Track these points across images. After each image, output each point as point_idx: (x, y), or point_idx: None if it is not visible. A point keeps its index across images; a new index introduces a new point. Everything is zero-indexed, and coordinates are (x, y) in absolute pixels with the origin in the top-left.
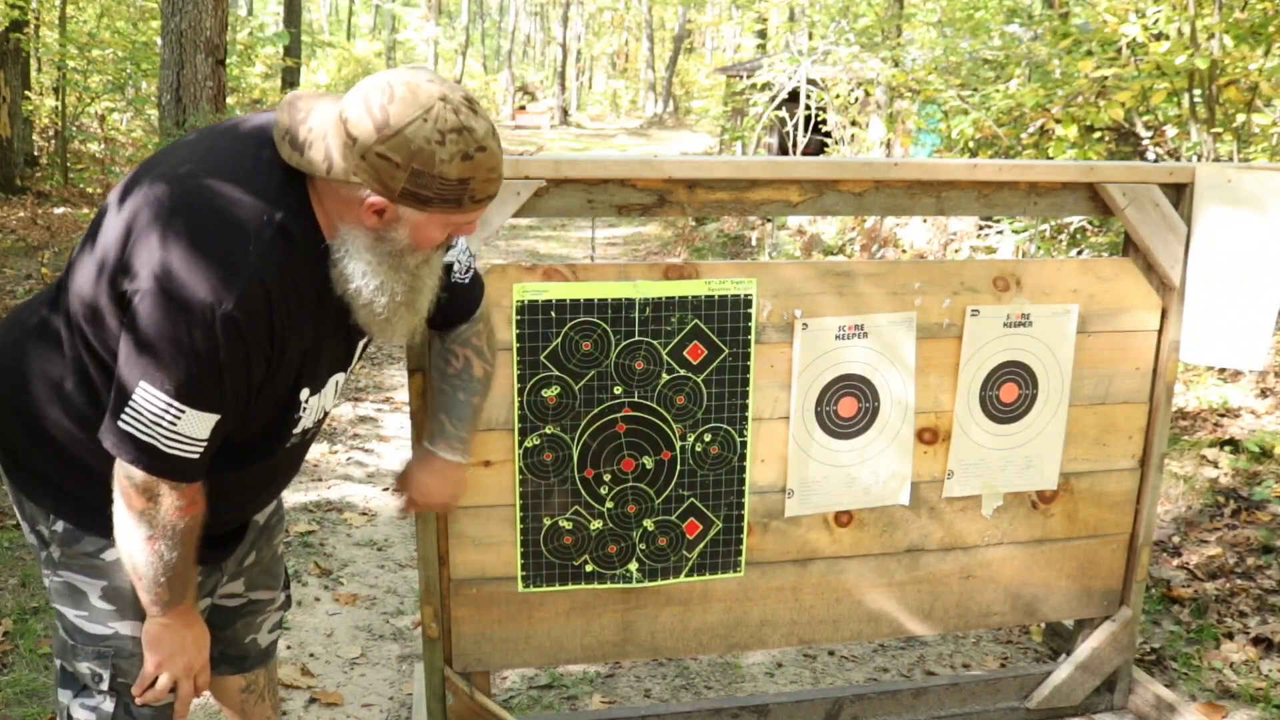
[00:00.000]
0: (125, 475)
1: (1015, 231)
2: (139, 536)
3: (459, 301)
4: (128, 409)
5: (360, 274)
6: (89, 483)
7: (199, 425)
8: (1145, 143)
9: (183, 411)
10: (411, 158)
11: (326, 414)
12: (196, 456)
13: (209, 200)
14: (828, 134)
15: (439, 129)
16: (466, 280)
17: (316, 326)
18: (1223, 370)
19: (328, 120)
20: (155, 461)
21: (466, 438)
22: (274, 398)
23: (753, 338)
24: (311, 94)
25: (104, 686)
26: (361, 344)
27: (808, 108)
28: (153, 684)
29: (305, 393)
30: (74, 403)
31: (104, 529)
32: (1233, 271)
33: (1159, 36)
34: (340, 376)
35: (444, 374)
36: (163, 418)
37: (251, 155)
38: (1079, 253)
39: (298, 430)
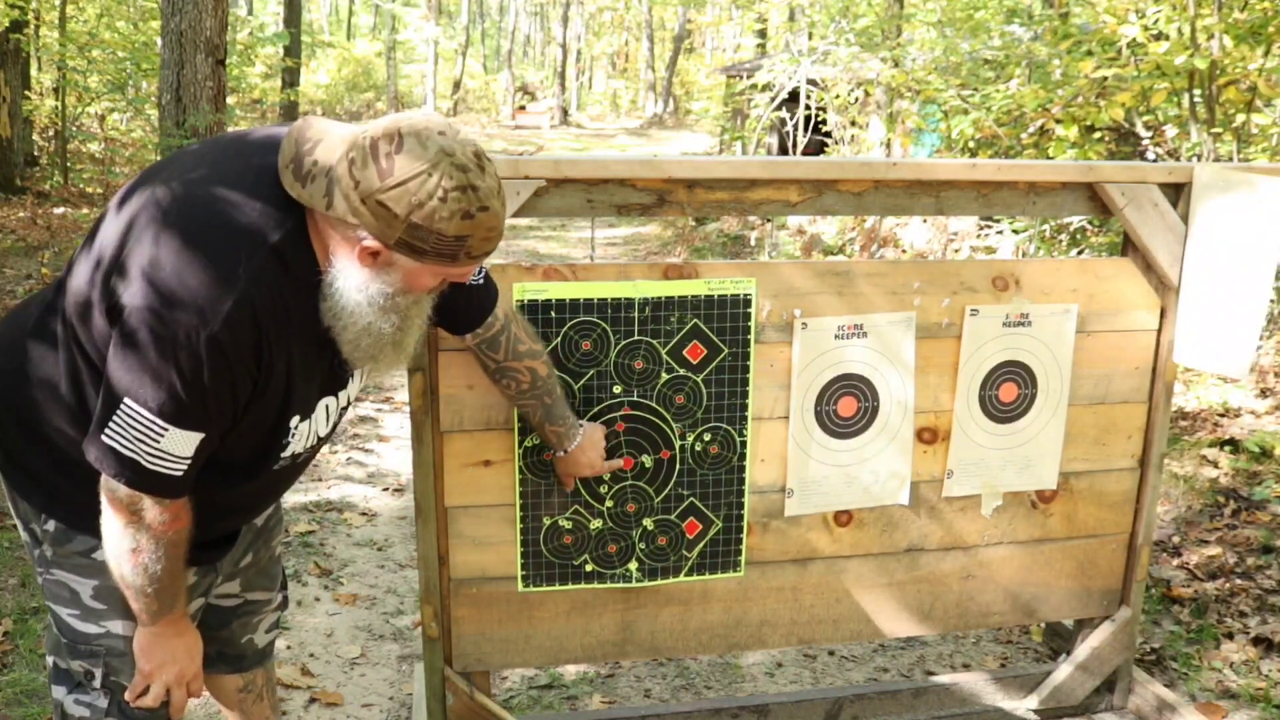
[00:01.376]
0: (109, 489)
1: (1015, 231)
2: (124, 549)
3: (474, 303)
4: (112, 423)
5: (349, 311)
6: (81, 483)
7: (182, 443)
8: (1145, 143)
9: (166, 429)
10: (411, 211)
11: (322, 440)
12: (180, 473)
13: (206, 214)
14: (828, 134)
15: (442, 185)
16: (480, 281)
17: (305, 352)
18: None
19: (333, 156)
20: (138, 477)
21: (572, 418)
22: (261, 421)
23: (752, 337)
24: (321, 122)
25: (96, 684)
26: (360, 372)
27: (808, 108)
28: (145, 691)
29: (295, 419)
30: (67, 404)
31: (96, 529)
32: (1224, 275)
33: (1159, 37)
34: (331, 401)
35: (520, 391)
36: (146, 434)
37: (254, 172)
38: (1079, 253)
39: (286, 454)
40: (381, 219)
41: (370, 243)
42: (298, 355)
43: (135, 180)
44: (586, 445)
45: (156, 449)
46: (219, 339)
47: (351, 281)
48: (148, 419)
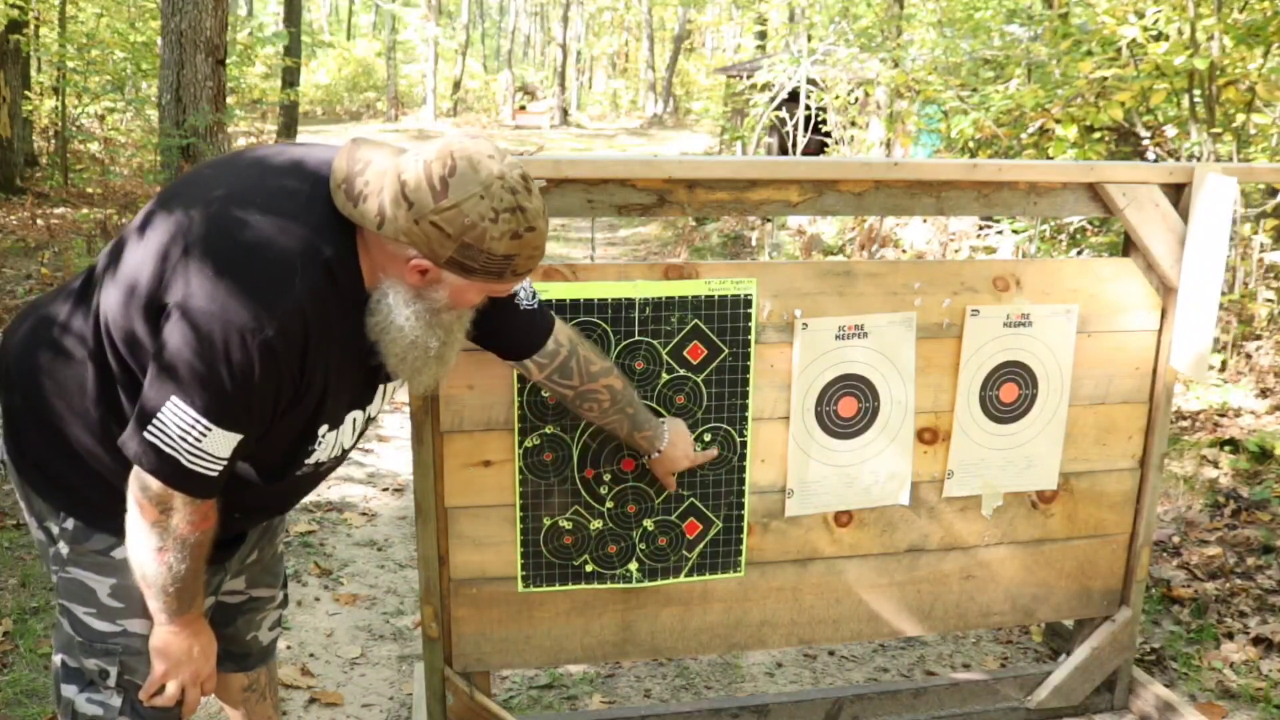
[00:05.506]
0: (140, 486)
1: (1015, 231)
2: (150, 547)
3: (529, 329)
4: (155, 421)
5: (397, 326)
6: (100, 484)
7: (222, 444)
8: (1145, 143)
9: (209, 430)
10: (464, 232)
11: (346, 451)
12: (215, 474)
13: (255, 230)
14: (828, 134)
15: (493, 207)
16: (534, 306)
17: (342, 365)
18: (1222, 369)
19: (384, 176)
20: (175, 475)
21: (655, 419)
22: (292, 428)
23: (753, 338)
24: (371, 142)
25: (110, 683)
26: (387, 387)
27: (808, 108)
28: (160, 690)
29: (324, 428)
30: (94, 416)
31: (114, 527)
32: (1192, 275)
33: (1158, 37)
34: (359, 415)
35: (603, 411)
36: (189, 433)
37: (306, 192)
38: (1079, 253)
39: (310, 461)
40: (434, 239)
41: (420, 261)
42: (335, 368)
43: (154, 205)
44: (676, 440)
45: (198, 449)
46: (272, 343)
47: (400, 298)
48: (193, 418)
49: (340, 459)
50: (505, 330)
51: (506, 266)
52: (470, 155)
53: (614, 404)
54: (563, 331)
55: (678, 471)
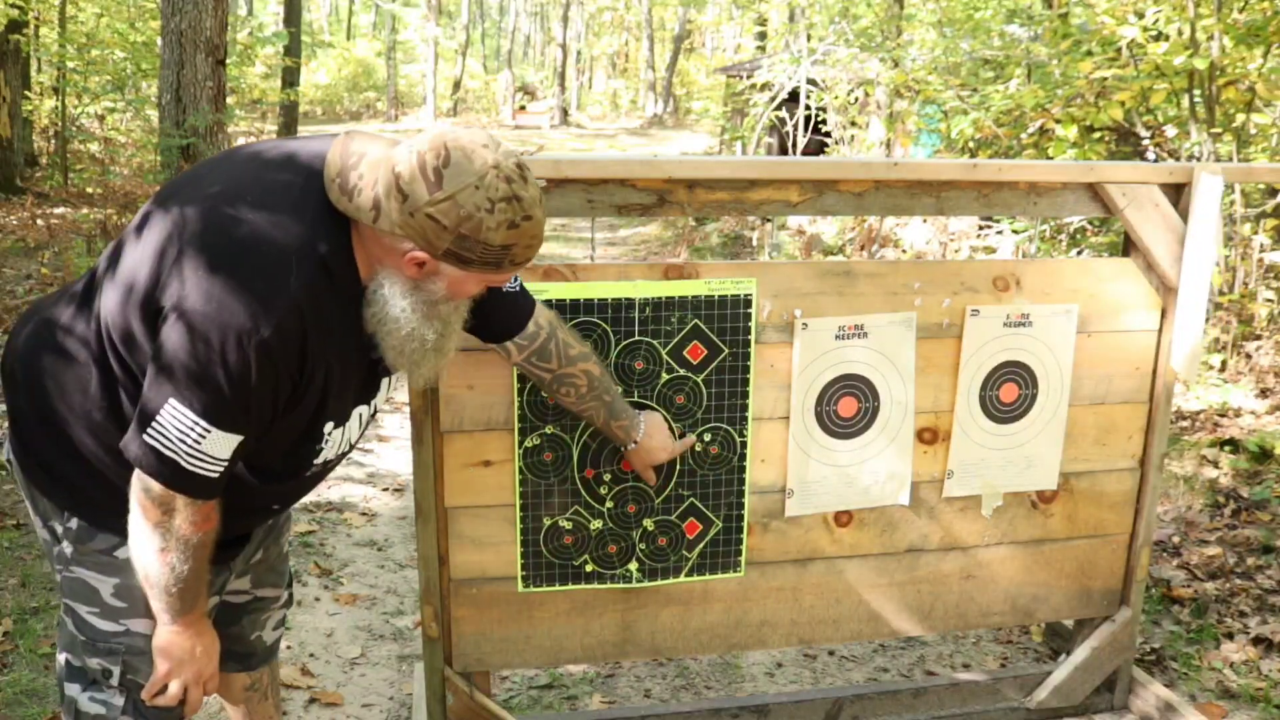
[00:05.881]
0: (142, 488)
1: (1015, 231)
2: (152, 548)
3: (511, 311)
4: (154, 424)
5: (394, 318)
6: (105, 484)
7: (222, 445)
8: (1145, 143)
9: (208, 431)
10: (460, 223)
11: (353, 446)
12: (216, 475)
13: (250, 226)
14: (828, 134)
15: (489, 197)
16: (517, 288)
17: (343, 361)
18: (1222, 369)
19: (378, 169)
20: (176, 477)
21: (631, 410)
22: (295, 427)
23: (753, 338)
24: (364, 135)
25: (114, 682)
26: (389, 380)
27: (807, 108)
28: (163, 690)
29: (329, 425)
30: (97, 419)
31: (118, 527)
32: (1196, 275)
33: (1158, 37)
34: (364, 409)
35: (580, 396)
36: (188, 435)
37: (300, 186)
38: (1079, 253)
39: (319, 460)
40: (430, 231)
41: (417, 253)
42: (336, 364)
43: (152, 204)
44: (653, 431)
45: (198, 450)
46: (269, 343)
47: (396, 289)
48: (192, 420)
49: (346, 455)
50: (488, 313)
51: (504, 256)
52: (464, 145)
53: (591, 390)
54: (543, 314)
55: (657, 464)
